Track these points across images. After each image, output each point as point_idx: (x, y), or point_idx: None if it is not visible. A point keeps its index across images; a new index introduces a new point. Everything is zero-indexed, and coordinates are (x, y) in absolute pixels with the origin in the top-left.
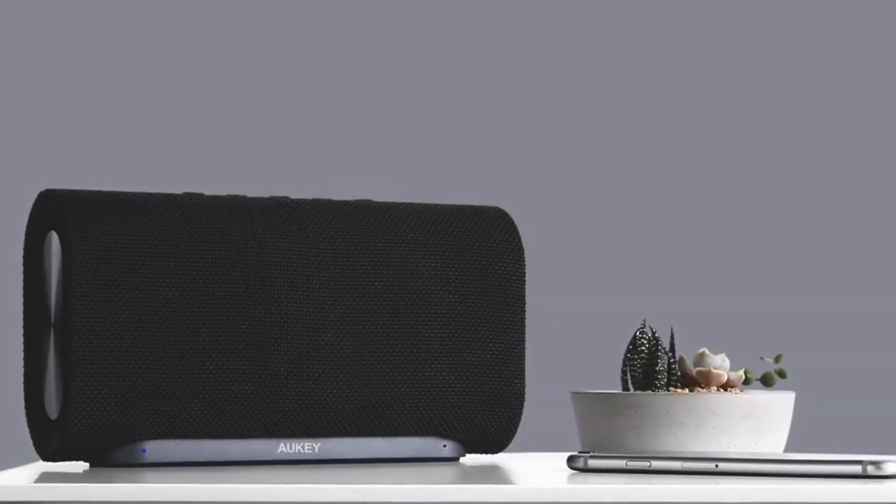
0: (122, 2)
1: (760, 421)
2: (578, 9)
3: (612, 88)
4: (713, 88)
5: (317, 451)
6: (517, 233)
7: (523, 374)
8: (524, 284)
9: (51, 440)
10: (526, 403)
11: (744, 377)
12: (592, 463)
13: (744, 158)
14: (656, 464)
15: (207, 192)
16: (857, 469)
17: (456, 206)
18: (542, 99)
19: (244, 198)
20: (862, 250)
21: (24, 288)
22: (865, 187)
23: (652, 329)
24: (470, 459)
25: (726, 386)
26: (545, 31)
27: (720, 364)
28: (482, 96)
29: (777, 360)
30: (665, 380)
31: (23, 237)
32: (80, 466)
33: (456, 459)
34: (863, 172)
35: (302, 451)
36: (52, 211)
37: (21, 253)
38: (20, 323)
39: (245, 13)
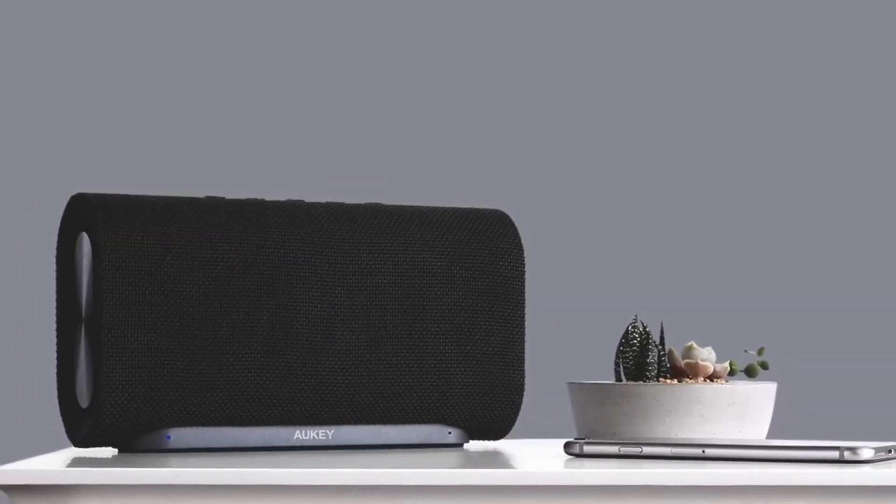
0: (150, 18)
1: (744, 409)
2: (575, 24)
3: (605, 102)
4: (700, 95)
5: (330, 437)
6: (517, 234)
7: (523, 366)
8: (524, 282)
9: (82, 427)
10: (525, 393)
11: (729, 368)
12: (587, 449)
13: (726, 168)
14: (647, 449)
15: (228, 195)
16: (835, 454)
17: (460, 208)
18: (542, 110)
19: (262, 201)
20: (839, 252)
21: (57, 285)
22: (844, 193)
23: (643, 324)
24: (473, 445)
25: (712, 377)
26: (541, 55)
27: (707, 356)
28: (487, 107)
29: (760, 352)
30: (655, 371)
31: (56, 238)
32: (109, 452)
33: (460, 445)
34: (839, 177)
35: (316, 437)
36: (83, 213)
37: (54, 252)
38: (53, 318)
39: (264, 35)
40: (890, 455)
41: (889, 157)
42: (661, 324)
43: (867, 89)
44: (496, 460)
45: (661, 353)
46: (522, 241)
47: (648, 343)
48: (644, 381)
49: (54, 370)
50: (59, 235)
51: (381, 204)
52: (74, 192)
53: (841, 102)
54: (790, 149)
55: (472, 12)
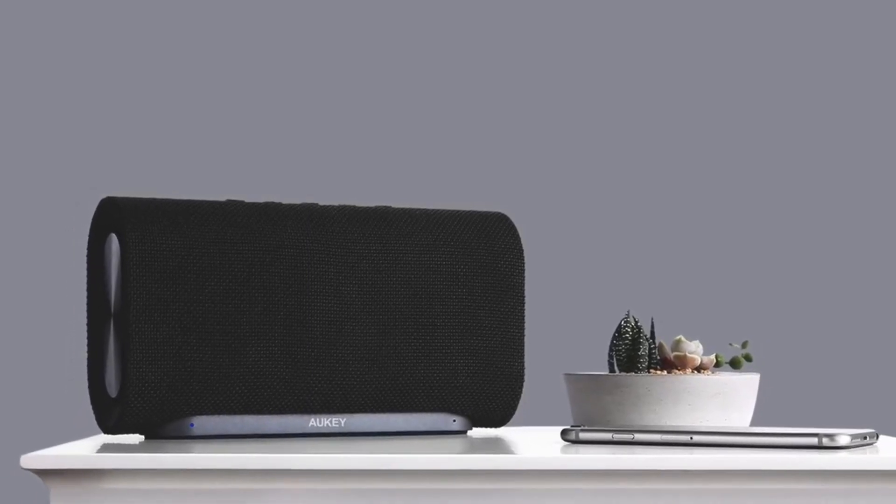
0: (176, 31)
1: (729, 399)
2: (571, 31)
3: (598, 111)
4: (690, 96)
5: (343, 425)
6: (517, 235)
7: (523, 358)
8: (523, 280)
9: (111, 416)
10: (525, 383)
11: (715, 361)
12: (583, 436)
13: (712, 174)
14: (639, 436)
15: (247, 199)
16: (814, 441)
17: (464, 211)
18: (541, 122)
19: (279, 204)
20: (818, 252)
21: (88, 283)
22: (824, 192)
23: (635, 319)
24: (476, 432)
25: (699, 368)
26: (540, 64)
27: (694, 349)
28: (490, 118)
29: (744, 345)
30: (646, 363)
31: (86, 239)
32: (136, 438)
33: (464, 432)
34: (819, 178)
35: (330, 425)
36: (112, 216)
37: (85, 252)
38: (84, 314)
39: (281, 52)
40: (866, 441)
41: (868, 154)
42: (652, 319)
43: (843, 88)
44: (497, 446)
45: (652, 346)
46: (522, 241)
47: (640, 337)
48: (636, 373)
49: (85, 362)
50: (90, 237)
51: (389, 206)
52: (104, 197)
53: (826, 98)
54: (772, 151)
55: (473, 23)
